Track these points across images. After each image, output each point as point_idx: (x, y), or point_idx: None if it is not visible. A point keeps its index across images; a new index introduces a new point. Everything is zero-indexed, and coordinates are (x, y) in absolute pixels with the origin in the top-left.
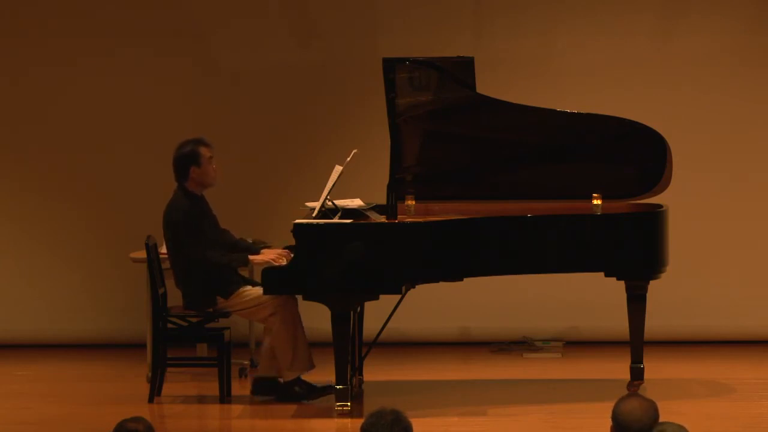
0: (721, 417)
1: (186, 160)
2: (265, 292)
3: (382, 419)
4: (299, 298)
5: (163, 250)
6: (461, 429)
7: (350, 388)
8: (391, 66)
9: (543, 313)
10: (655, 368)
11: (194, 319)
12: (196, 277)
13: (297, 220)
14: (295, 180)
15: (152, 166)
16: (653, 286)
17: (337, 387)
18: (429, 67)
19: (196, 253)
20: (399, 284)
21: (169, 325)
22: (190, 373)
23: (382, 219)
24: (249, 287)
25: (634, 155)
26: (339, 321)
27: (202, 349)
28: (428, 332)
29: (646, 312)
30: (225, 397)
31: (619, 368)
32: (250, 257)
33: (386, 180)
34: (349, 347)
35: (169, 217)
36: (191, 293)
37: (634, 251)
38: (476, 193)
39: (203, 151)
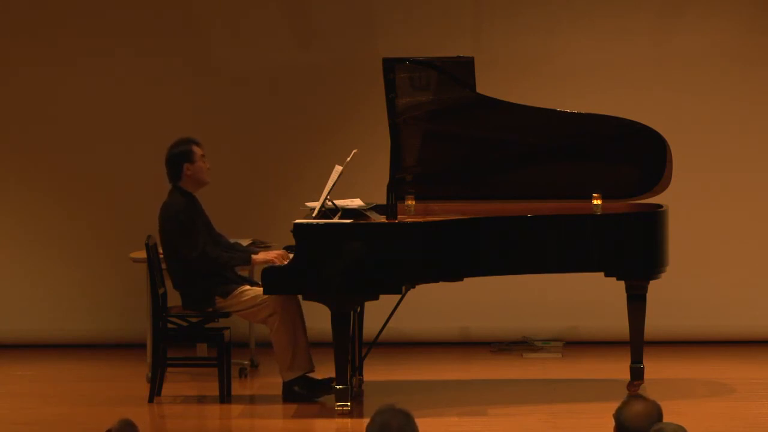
0: (721, 417)
1: (179, 157)
2: (265, 292)
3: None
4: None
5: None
6: (461, 429)
7: (350, 388)
8: (391, 66)
9: (543, 313)
10: (655, 368)
11: (194, 319)
12: (195, 276)
13: (297, 220)
14: (295, 180)
15: (152, 166)
16: (653, 286)
17: (337, 387)
18: (429, 67)
19: (194, 249)
20: (399, 284)
21: (169, 325)
22: (190, 373)
23: (382, 219)
24: (248, 287)
25: (634, 155)
26: (339, 321)
27: (202, 349)
28: (428, 332)
29: (646, 312)
30: (225, 397)
31: (619, 368)
32: (252, 256)
33: (386, 180)
34: (349, 347)
35: (165, 215)
36: (189, 293)
37: (634, 251)
38: (476, 193)
39: (195, 149)
